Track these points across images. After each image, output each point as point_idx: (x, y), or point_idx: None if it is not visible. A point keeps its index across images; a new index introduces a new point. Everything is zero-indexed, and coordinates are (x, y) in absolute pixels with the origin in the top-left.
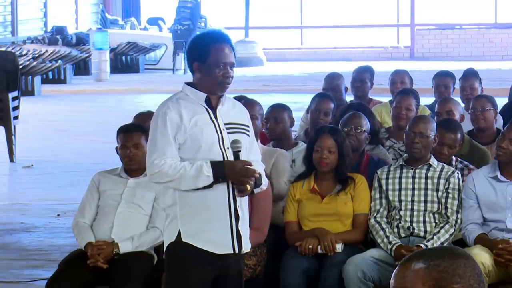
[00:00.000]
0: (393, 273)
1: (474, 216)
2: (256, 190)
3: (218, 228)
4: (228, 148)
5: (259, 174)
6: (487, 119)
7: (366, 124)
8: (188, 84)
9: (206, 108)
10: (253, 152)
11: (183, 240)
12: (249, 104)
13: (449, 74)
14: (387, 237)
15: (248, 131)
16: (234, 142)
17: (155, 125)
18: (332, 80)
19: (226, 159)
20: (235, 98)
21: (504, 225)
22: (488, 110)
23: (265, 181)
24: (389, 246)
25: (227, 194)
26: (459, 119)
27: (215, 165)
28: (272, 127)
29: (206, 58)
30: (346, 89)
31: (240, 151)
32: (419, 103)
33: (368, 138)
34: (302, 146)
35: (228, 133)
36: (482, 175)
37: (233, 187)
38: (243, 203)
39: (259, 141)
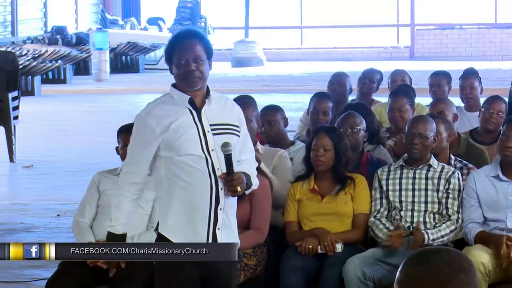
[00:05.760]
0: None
1: (474, 215)
2: (246, 191)
3: (195, 226)
4: (212, 150)
5: (249, 175)
6: (498, 123)
7: (361, 123)
8: (174, 85)
9: (190, 109)
10: (246, 151)
11: (159, 231)
12: (242, 106)
13: (442, 73)
14: (387, 228)
15: (238, 131)
16: (225, 146)
17: (135, 129)
18: (340, 77)
19: (210, 162)
20: (237, 98)
21: (504, 225)
22: (501, 116)
23: (255, 181)
24: (389, 233)
25: (209, 195)
26: (452, 119)
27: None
28: (267, 130)
29: (172, 58)
30: (351, 90)
31: (231, 153)
32: (413, 99)
33: (366, 136)
34: (299, 145)
35: (215, 134)
36: (483, 174)
37: (217, 188)
38: (228, 208)
39: (257, 142)
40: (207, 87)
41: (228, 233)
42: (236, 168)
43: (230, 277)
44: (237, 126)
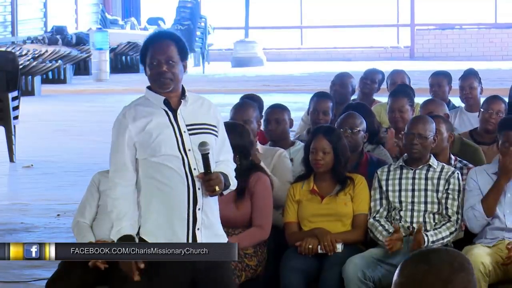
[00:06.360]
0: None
1: (477, 201)
2: (225, 192)
3: (173, 227)
4: (189, 150)
5: (227, 175)
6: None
7: (361, 124)
8: (149, 87)
9: (165, 110)
10: (224, 151)
11: (141, 235)
12: (243, 108)
13: (443, 73)
14: (387, 230)
15: (215, 131)
16: (202, 145)
17: (113, 133)
18: (342, 78)
19: (186, 162)
20: (244, 96)
21: (503, 224)
22: (501, 116)
23: (233, 182)
24: (388, 238)
25: (186, 195)
26: None
27: (123, 239)
28: (273, 128)
29: (145, 59)
30: (353, 90)
31: (208, 153)
32: (413, 99)
33: (366, 136)
34: (299, 145)
35: (191, 134)
36: (484, 170)
37: (194, 189)
38: (206, 208)
39: (257, 141)
40: (183, 87)
41: (209, 233)
42: (214, 168)
43: (219, 280)
44: (215, 126)
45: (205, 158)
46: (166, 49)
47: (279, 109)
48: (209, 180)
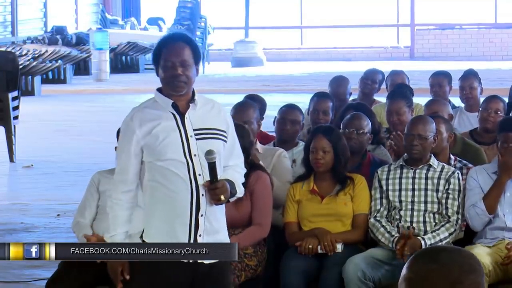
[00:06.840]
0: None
1: (478, 199)
2: (231, 199)
3: (176, 233)
4: (195, 155)
5: (233, 182)
6: (496, 122)
7: (367, 125)
8: (159, 89)
9: (173, 114)
10: (234, 156)
11: (143, 238)
12: (243, 109)
13: (443, 73)
14: (389, 232)
15: (224, 136)
16: (209, 153)
17: (121, 133)
18: (338, 87)
19: (191, 167)
20: (247, 96)
21: (503, 223)
22: (499, 115)
23: (240, 189)
24: (391, 239)
25: (189, 202)
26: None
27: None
28: (288, 128)
29: (159, 60)
30: (350, 93)
31: (215, 162)
32: (411, 100)
33: (370, 138)
34: (302, 146)
35: (199, 139)
36: (484, 170)
37: (198, 195)
38: (210, 214)
39: (257, 141)
40: (193, 91)
41: (211, 240)
42: (222, 173)
43: (219, 280)
44: (224, 131)
45: (212, 167)
46: (181, 52)
47: (297, 111)
48: (215, 189)
